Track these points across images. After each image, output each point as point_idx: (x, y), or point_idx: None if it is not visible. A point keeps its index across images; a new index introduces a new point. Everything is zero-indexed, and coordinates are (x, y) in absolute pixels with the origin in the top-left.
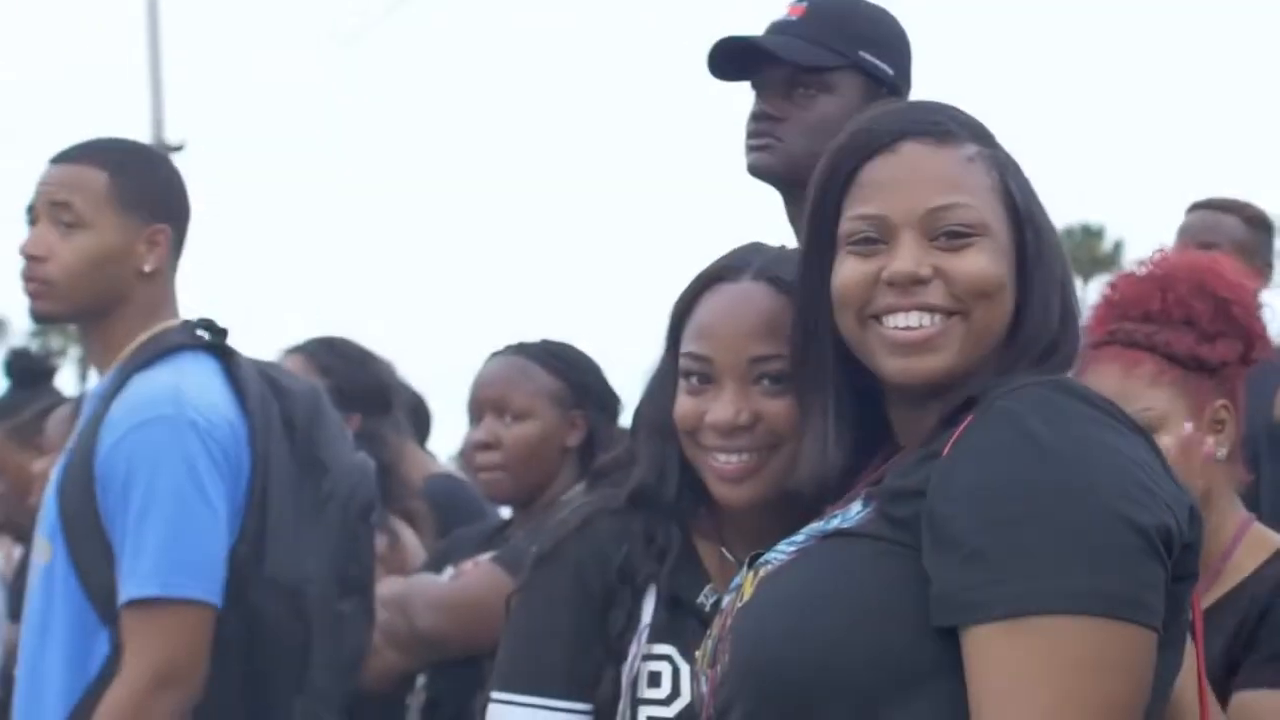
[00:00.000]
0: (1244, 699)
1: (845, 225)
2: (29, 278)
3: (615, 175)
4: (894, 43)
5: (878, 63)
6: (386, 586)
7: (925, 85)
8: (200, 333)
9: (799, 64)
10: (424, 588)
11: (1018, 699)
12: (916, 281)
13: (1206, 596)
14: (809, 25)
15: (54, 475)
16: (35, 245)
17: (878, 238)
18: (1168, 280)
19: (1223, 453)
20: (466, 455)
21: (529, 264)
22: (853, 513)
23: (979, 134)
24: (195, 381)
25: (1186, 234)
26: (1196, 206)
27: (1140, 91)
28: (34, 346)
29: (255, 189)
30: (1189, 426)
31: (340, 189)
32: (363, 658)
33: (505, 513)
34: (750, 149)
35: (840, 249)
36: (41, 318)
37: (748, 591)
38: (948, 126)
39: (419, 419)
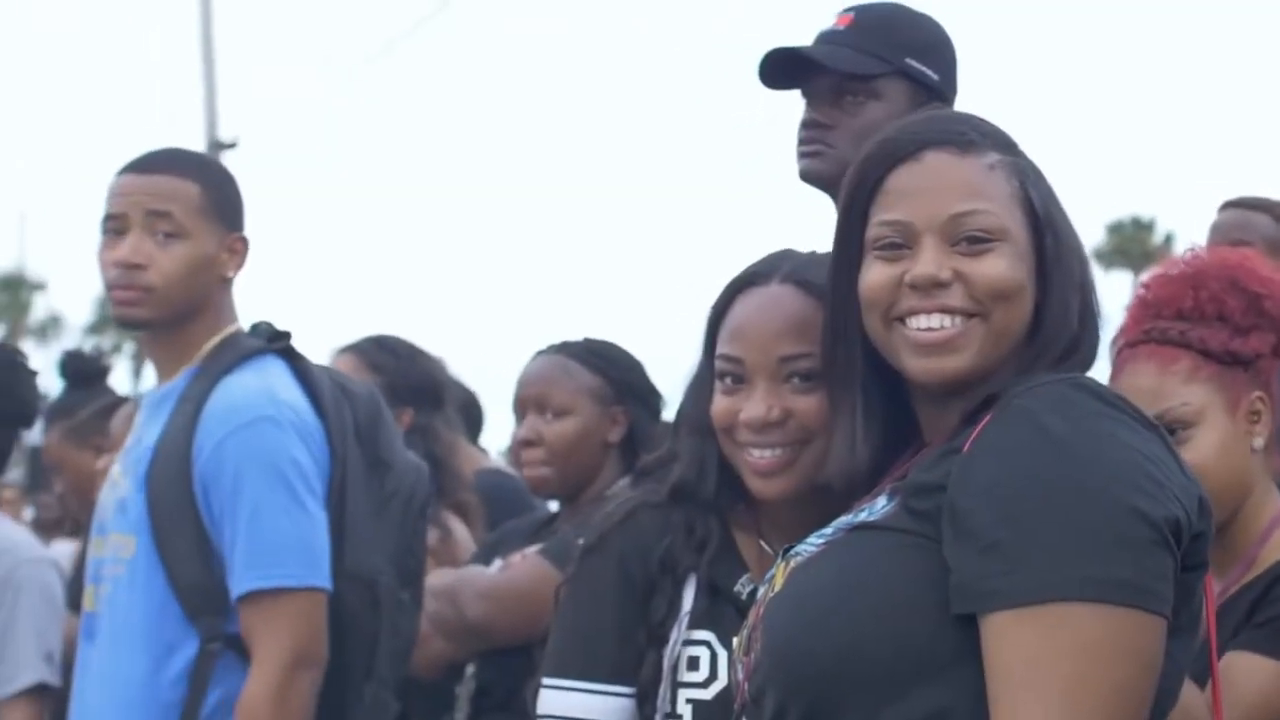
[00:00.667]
0: (1227, 659)
1: (872, 231)
2: (127, 285)
3: (668, 178)
4: (939, 49)
5: (924, 69)
6: (437, 578)
7: (978, 85)
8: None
9: (846, 72)
10: (473, 579)
11: (1032, 682)
12: (938, 285)
13: (1239, 581)
14: (856, 34)
15: (130, 471)
16: (136, 253)
17: (902, 243)
18: (1200, 278)
19: (1259, 443)
20: (513, 451)
21: (583, 266)
22: (878, 506)
23: (1001, 143)
24: (280, 384)
25: (1218, 232)
26: (1228, 205)
27: (1191, 86)
28: (89, 345)
29: (307, 187)
30: (1227, 421)
31: (387, 191)
32: (414, 645)
33: (553, 506)
34: (801, 155)
35: (867, 254)
36: (136, 324)
37: (779, 582)
38: (970, 136)
39: (471, 416)
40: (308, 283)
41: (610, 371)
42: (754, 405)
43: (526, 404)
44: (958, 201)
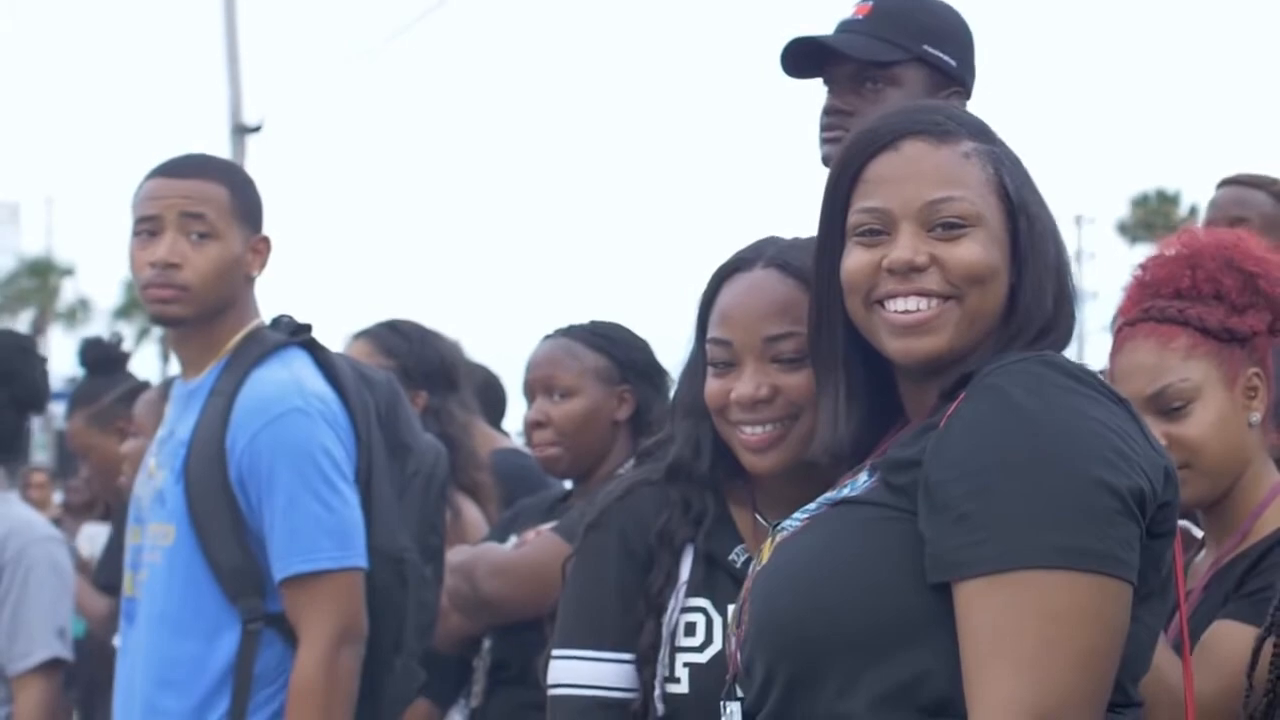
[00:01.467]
0: (1214, 628)
1: (852, 218)
2: (164, 284)
3: (691, 161)
4: (957, 35)
5: (941, 55)
6: (453, 555)
7: (1003, 61)
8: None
9: (865, 60)
10: (488, 555)
11: (1002, 646)
12: (914, 269)
13: (1233, 551)
14: (874, 23)
15: (166, 464)
16: (172, 253)
17: (881, 229)
18: (1196, 258)
19: (1255, 418)
20: (525, 433)
21: (608, 248)
22: (860, 482)
23: (977, 131)
24: (306, 375)
25: (1216, 209)
26: (1226, 182)
27: (1215, 58)
28: (116, 329)
29: (331, 170)
30: (1225, 396)
31: (410, 173)
32: (435, 618)
33: (567, 485)
34: (823, 141)
35: (849, 240)
36: (171, 321)
37: (766, 556)
38: (946, 126)
39: (493, 398)
40: (333, 264)
41: (615, 352)
42: (743, 385)
43: (535, 386)
44: (933, 189)
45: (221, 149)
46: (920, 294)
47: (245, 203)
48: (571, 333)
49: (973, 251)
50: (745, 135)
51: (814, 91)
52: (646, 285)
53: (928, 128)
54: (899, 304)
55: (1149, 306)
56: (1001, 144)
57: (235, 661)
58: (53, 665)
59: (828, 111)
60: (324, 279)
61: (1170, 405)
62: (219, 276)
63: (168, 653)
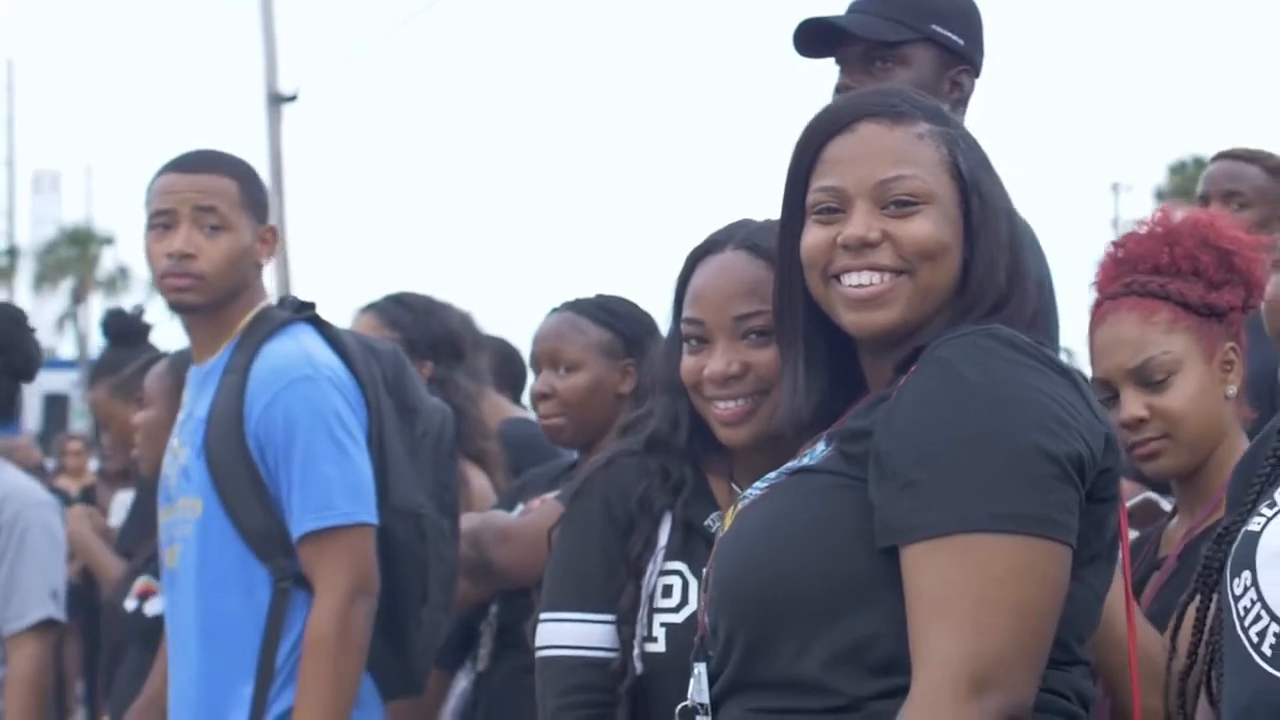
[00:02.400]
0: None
1: (811, 197)
2: (181, 273)
3: (713, 144)
4: (965, 14)
5: (949, 34)
6: (461, 522)
7: (1039, 33)
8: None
9: (874, 40)
10: (494, 522)
11: (943, 607)
12: (866, 244)
13: (1205, 522)
14: (883, 3)
15: (189, 442)
16: (188, 244)
17: (837, 207)
18: (1173, 236)
19: (1231, 391)
20: (532, 404)
21: (623, 228)
22: (818, 451)
23: (931, 114)
24: (314, 346)
25: (1210, 182)
26: (1220, 156)
27: (1254, 25)
28: (154, 299)
29: (365, 138)
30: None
31: (443, 141)
32: (456, 570)
33: (576, 455)
34: None
35: (808, 218)
36: (188, 308)
37: (729, 523)
38: (901, 108)
39: (511, 369)
40: (366, 231)
41: (619, 326)
42: (716, 361)
43: (541, 359)
44: (887, 168)
45: (257, 118)
46: (873, 269)
47: (253, 195)
48: (578, 307)
49: (924, 228)
50: (757, 114)
51: (827, 72)
52: (659, 261)
53: (883, 110)
54: (853, 278)
55: (1130, 281)
56: (957, 126)
57: (268, 618)
58: (46, 626)
59: (840, 90)
60: (356, 247)
61: (1153, 377)
62: (231, 265)
63: (213, 612)
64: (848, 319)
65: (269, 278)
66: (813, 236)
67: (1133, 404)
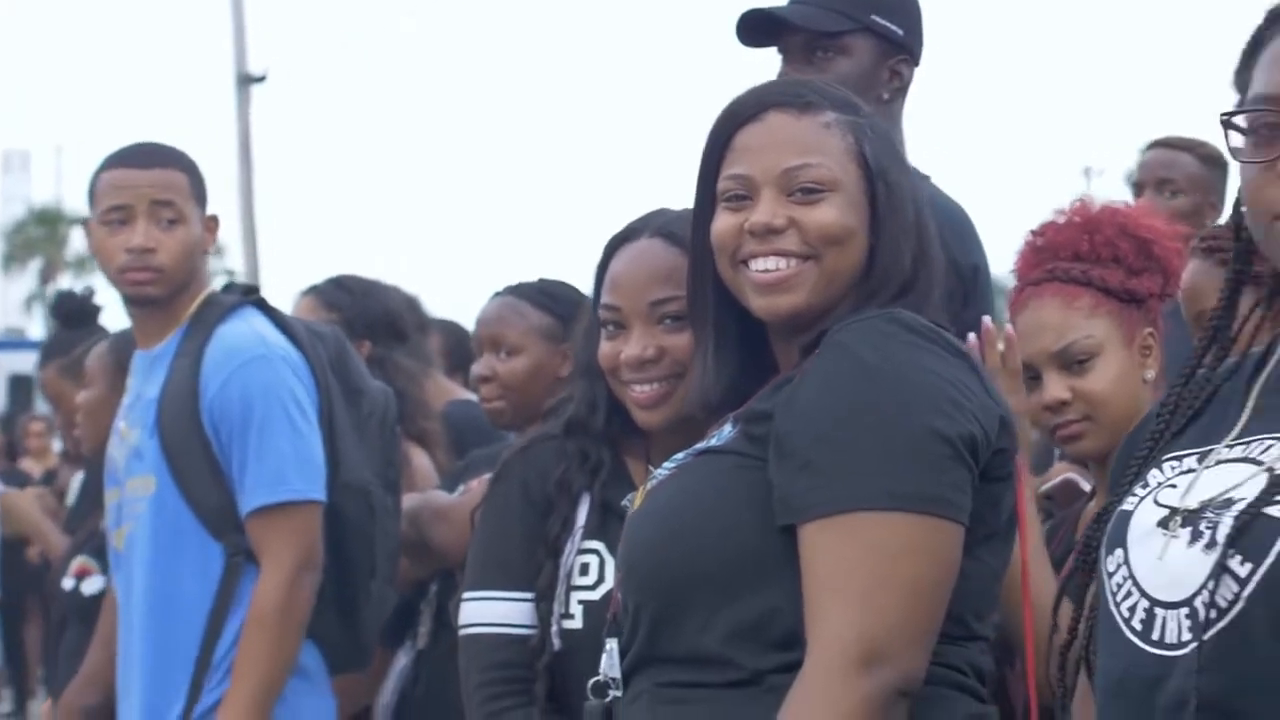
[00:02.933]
0: None
1: (721, 184)
2: (142, 267)
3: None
4: (904, 4)
5: (888, 25)
6: (403, 502)
7: (1011, 14)
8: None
9: (815, 30)
10: (433, 502)
11: (836, 583)
12: (772, 231)
13: None
14: None
15: (139, 422)
16: (148, 239)
17: (745, 194)
18: (1093, 224)
19: (1150, 375)
20: (473, 386)
21: (576, 213)
22: (724, 432)
23: (839, 103)
24: (264, 328)
25: (1145, 170)
26: (1154, 144)
27: (1223, 9)
28: None
29: (335, 120)
30: (1125, 354)
31: (412, 124)
32: (399, 545)
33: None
34: None
35: (718, 205)
36: (148, 300)
37: (639, 503)
38: (809, 98)
39: (463, 352)
40: (334, 213)
41: (560, 310)
42: (632, 346)
43: (482, 343)
44: (793, 156)
45: (226, 98)
46: (779, 254)
47: (200, 186)
48: (519, 291)
49: (829, 214)
50: (707, 101)
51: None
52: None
53: (791, 100)
54: (760, 264)
55: (1053, 268)
56: (866, 115)
57: (217, 591)
58: None
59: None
60: (324, 229)
61: (1075, 360)
62: (187, 256)
63: (164, 592)
64: (755, 303)
65: (238, 260)
66: (722, 223)
67: (1055, 386)
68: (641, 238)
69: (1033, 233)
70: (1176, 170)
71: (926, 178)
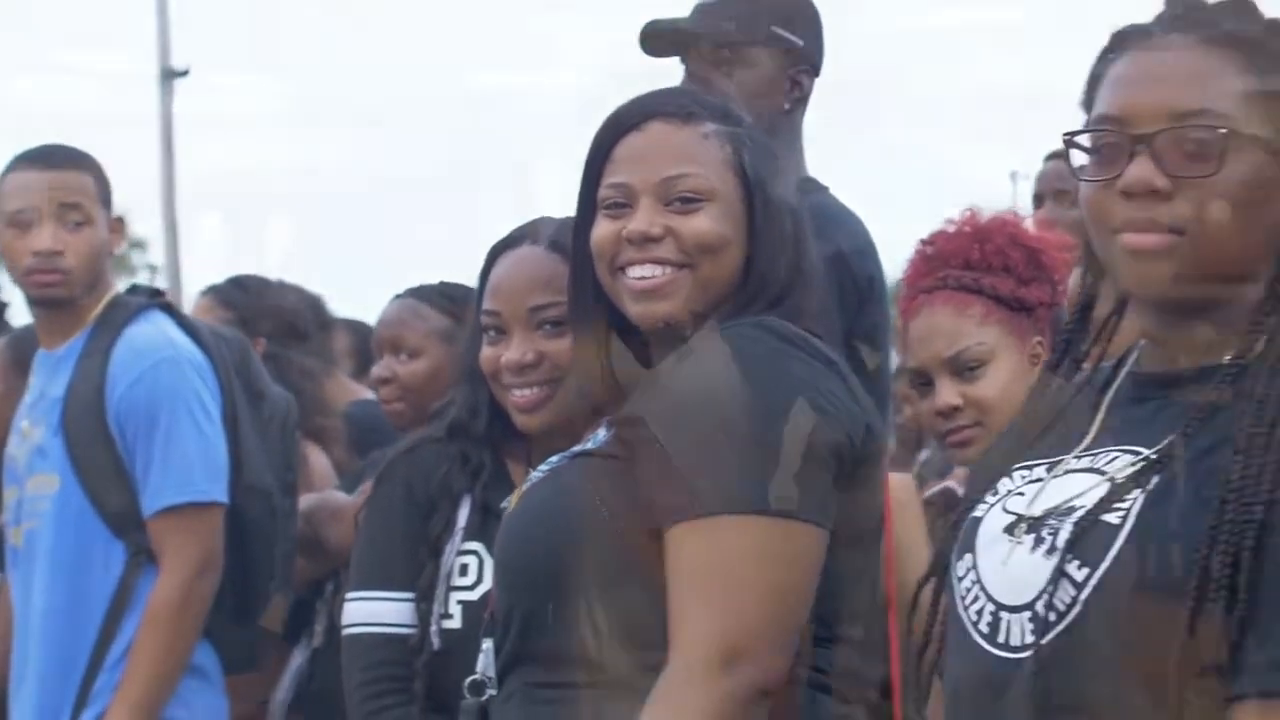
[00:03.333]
0: None
1: (601, 192)
2: (50, 269)
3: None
4: (804, 14)
5: (789, 36)
6: (300, 502)
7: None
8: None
9: (715, 41)
10: (328, 502)
11: (697, 585)
12: (649, 239)
13: None
14: (725, 4)
15: (42, 421)
16: (56, 241)
17: (624, 202)
18: (983, 234)
19: None
20: (373, 388)
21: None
22: (599, 436)
23: (720, 114)
24: (171, 331)
25: (1042, 181)
26: (1053, 156)
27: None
28: None
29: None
30: (1015, 360)
31: (337, 119)
32: (295, 547)
33: None
34: None
35: (598, 212)
36: (55, 302)
37: (514, 504)
38: (690, 109)
39: (371, 352)
40: (256, 209)
41: (461, 313)
42: (512, 351)
43: (383, 345)
44: (671, 166)
45: (150, 93)
46: (655, 262)
47: (105, 188)
48: (420, 293)
49: (705, 224)
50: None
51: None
52: None
53: (672, 110)
54: (636, 271)
55: (945, 275)
56: (746, 126)
57: (116, 589)
58: None
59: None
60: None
61: (966, 366)
62: (94, 258)
63: (65, 590)
64: (632, 309)
65: (159, 256)
66: (601, 230)
67: (947, 392)
68: (523, 245)
69: (923, 241)
70: (1072, 182)
71: (825, 189)
